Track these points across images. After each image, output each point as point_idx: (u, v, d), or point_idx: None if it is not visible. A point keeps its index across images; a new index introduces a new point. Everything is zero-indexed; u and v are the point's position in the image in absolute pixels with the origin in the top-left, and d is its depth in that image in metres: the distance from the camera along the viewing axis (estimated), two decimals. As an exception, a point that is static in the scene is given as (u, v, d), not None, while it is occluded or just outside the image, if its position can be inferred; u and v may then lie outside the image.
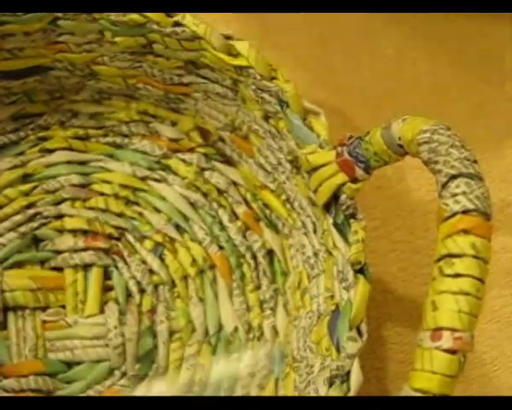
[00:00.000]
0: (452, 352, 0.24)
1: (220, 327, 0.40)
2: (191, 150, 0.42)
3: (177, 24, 0.35)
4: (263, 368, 0.39)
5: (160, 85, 0.40)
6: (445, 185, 0.27)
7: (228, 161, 0.41)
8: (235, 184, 0.41)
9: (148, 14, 0.35)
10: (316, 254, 0.38)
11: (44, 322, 0.39)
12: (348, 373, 0.32)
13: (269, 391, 0.37)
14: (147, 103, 0.41)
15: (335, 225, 0.34)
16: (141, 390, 0.38)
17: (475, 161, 0.27)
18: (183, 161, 0.42)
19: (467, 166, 0.27)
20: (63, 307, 0.40)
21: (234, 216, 0.41)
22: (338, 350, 0.33)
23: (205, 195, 0.42)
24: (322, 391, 0.32)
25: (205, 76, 0.38)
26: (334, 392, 0.31)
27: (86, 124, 0.42)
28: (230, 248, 0.41)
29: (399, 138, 0.30)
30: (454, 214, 0.26)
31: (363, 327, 0.32)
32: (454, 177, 0.27)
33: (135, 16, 0.35)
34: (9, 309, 0.40)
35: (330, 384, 0.32)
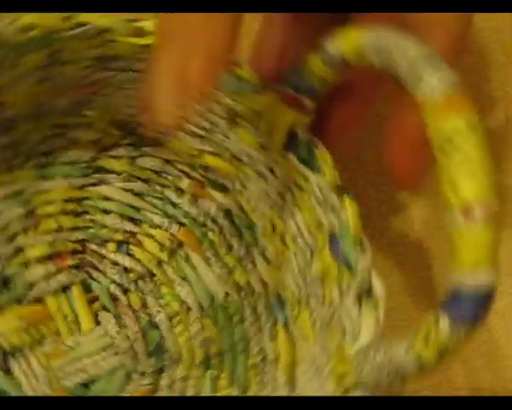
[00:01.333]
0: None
1: (212, 298, 0.41)
2: (117, 145, 0.41)
3: (79, 25, 0.35)
4: (266, 320, 0.40)
5: (69, 93, 0.39)
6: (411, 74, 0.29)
7: (156, 143, 0.41)
8: (168, 161, 0.41)
9: (46, 23, 0.34)
10: (282, 195, 0.38)
11: (46, 354, 0.40)
12: (368, 289, 0.33)
13: (282, 338, 0.39)
14: (55, 116, 0.40)
15: (300, 159, 0.35)
16: (164, 382, 0.40)
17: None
18: (113, 157, 0.41)
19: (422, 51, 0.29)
20: (57, 333, 0.40)
21: (180, 191, 0.42)
22: (351, 270, 0.34)
23: (146, 181, 0.42)
24: (355, 311, 0.34)
25: (114, 68, 0.38)
26: (367, 308, 0.33)
27: (4, 156, 0.41)
28: (190, 221, 0.42)
29: (342, 54, 0.32)
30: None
31: (365, 241, 0.34)
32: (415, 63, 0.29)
33: (35, 32, 0.34)
34: (7, 355, 0.40)
35: (360, 303, 0.33)
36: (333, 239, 0.35)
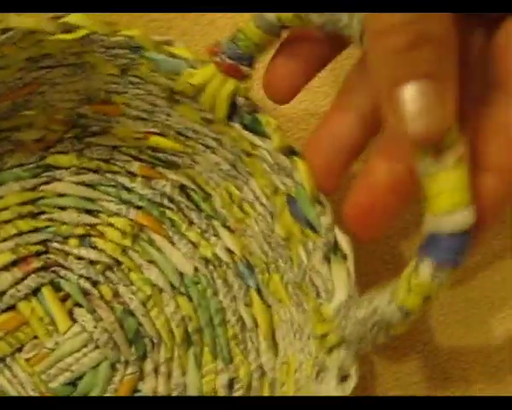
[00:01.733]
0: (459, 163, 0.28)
1: (182, 275, 0.42)
2: (60, 141, 0.41)
3: (6, 30, 0.34)
4: (239, 288, 0.41)
5: (6, 97, 0.39)
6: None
7: (100, 132, 0.41)
8: (115, 147, 0.41)
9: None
10: (233, 165, 0.38)
11: (28, 360, 0.40)
12: (336, 245, 0.34)
13: (257, 303, 0.40)
14: None
15: (246, 127, 0.35)
16: (149, 367, 0.40)
17: None
18: (59, 152, 0.41)
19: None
20: (36, 337, 0.40)
21: (132, 175, 0.42)
22: (315, 230, 0.34)
23: (96, 171, 0.42)
24: (324, 270, 0.34)
25: (46, 66, 0.37)
26: (336, 264, 0.34)
27: None
28: (147, 204, 0.42)
29: (280, 18, 0.32)
30: None
31: (323, 199, 0.34)
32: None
33: None
34: None
35: (329, 261, 0.34)
36: (290, 201, 0.35)
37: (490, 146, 0.31)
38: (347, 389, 0.32)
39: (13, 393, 0.39)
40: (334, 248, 0.34)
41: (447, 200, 0.28)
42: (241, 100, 0.35)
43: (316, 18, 0.31)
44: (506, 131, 0.30)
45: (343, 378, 0.33)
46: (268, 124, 0.35)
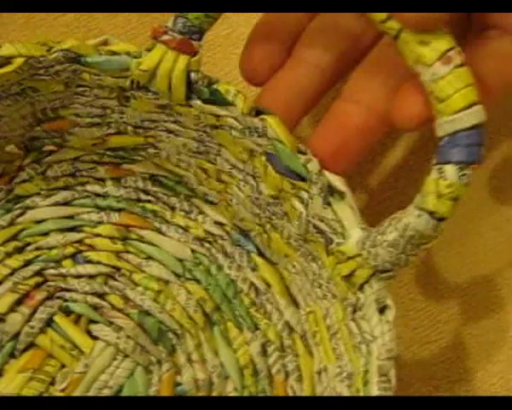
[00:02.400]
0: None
1: (181, 261, 0.42)
2: (21, 169, 0.41)
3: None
4: (240, 257, 0.41)
5: None
6: None
7: (55, 149, 0.42)
8: (76, 159, 0.42)
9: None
10: (200, 141, 0.39)
11: (63, 390, 0.40)
12: (330, 188, 0.35)
13: (262, 265, 0.41)
14: None
15: (206, 101, 0.36)
16: (182, 359, 0.41)
17: None
18: (24, 181, 0.42)
19: None
20: (63, 366, 0.40)
21: (100, 181, 0.42)
22: (304, 179, 0.35)
23: (65, 188, 0.42)
24: (327, 213, 0.35)
25: None
26: (337, 204, 0.35)
27: None
28: (125, 204, 0.42)
29: None
30: None
31: (303, 147, 0.35)
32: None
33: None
34: None
35: (329, 204, 0.35)
36: (271, 159, 0.36)
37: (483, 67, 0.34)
38: (390, 318, 0.33)
39: None
40: (331, 190, 0.35)
41: (461, 97, 0.30)
42: (195, 75, 0.35)
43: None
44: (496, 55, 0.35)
45: (381, 310, 0.34)
46: (228, 92, 0.35)
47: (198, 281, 0.42)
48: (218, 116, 0.36)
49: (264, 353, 0.41)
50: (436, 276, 0.47)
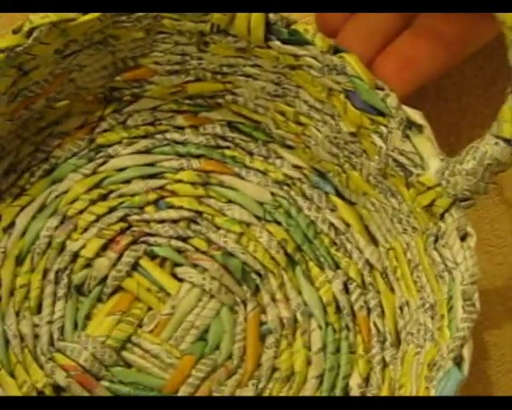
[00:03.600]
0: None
1: (262, 204, 0.43)
2: (102, 119, 0.43)
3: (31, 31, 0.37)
4: (319, 198, 0.43)
5: (40, 96, 0.41)
6: None
7: (135, 99, 0.43)
8: (155, 108, 0.43)
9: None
10: (278, 83, 0.40)
11: (151, 332, 0.42)
12: (408, 121, 0.35)
13: (341, 206, 0.42)
14: (35, 122, 0.42)
15: (285, 41, 0.37)
16: (266, 298, 0.42)
17: None
18: (105, 130, 0.43)
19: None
20: (150, 309, 0.43)
21: (180, 129, 0.44)
22: (384, 114, 0.36)
23: (145, 136, 0.44)
24: (407, 146, 0.36)
25: (72, 52, 0.39)
26: (417, 137, 0.36)
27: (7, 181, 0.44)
28: (204, 150, 0.44)
29: None
30: None
31: (382, 84, 0.36)
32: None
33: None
34: (119, 350, 0.42)
35: (408, 137, 0.36)
36: (351, 96, 0.37)
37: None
38: (472, 245, 0.35)
39: (149, 368, 0.42)
40: (410, 123, 0.36)
41: None
42: (273, 16, 0.36)
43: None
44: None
45: (463, 238, 0.35)
46: (306, 32, 0.36)
47: (279, 223, 0.43)
48: (297, 56, 0.37)
49: (346, 290, 0.42)
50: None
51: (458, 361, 0.34)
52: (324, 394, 0.42)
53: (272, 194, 0.43)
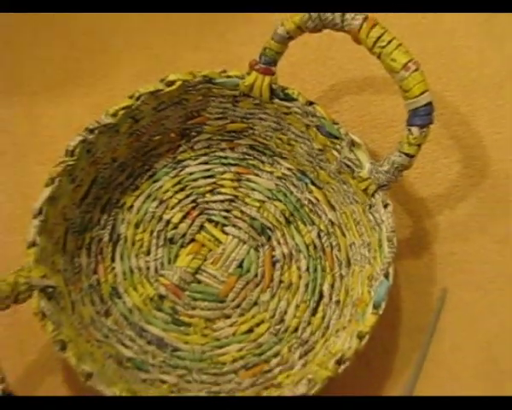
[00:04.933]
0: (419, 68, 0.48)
1: (270, 191, 0.64)
2: (179, 146, 0.65)
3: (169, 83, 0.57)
4: (302, 187, 0.63)
5: (163, 139, 0.63)
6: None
7: (197, 134, 0.64)
8: (209, 138, 0.64)
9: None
10: (277, 122, 0.60)
11: (212, 263, 0.63)
12: (352, 142, 0.57)
13: (315, 190, 0.63)
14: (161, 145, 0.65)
15: (281, 98, 0.57)
16: (274, 241, 0.63)
17: None
18: (182, 152, 0.65)
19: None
20: (210, 250, 0.64)
21: (223, 150, 0.65)
22: (338, 138, 0.57)
23: (204, 154, 0.65)
24: (352, 155, 0.55)
25: (162, 108, 0.60)
26: (358, 150, 0.55)
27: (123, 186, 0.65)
28: (237, 160, 0.65)
29: (287, 32, 0.53)
30: None
31: (336, 121, 0.56)
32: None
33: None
34: (194, 274, 0.63)
35: (352, 150, 0.55)
36: (320, 128, 0.57)
37: None
38: (390, 210, 0.53)
39: (212, 284, 0.62)
40: (353, 143, 0.55)
41: (418, 88, 0.48)
42: (275, 86, 0.56)
43: (310, 24, 0.51)
44: None
45: (385, 206, 0.54)
46: (293, 93, 0.57)
47: (280, 200, 0.64)
48: (288, 107, 0.57)
49: (319, 237, 0.63)
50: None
51: (387, 275, 0.52)
52: (309, 295, 0.60)
53: (276, 184, 0.64)
